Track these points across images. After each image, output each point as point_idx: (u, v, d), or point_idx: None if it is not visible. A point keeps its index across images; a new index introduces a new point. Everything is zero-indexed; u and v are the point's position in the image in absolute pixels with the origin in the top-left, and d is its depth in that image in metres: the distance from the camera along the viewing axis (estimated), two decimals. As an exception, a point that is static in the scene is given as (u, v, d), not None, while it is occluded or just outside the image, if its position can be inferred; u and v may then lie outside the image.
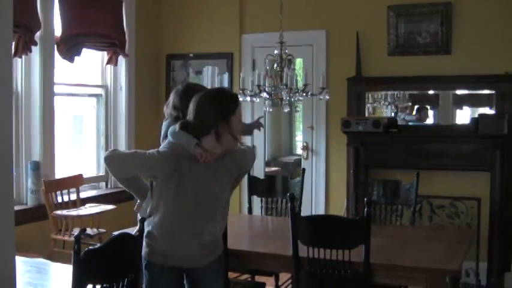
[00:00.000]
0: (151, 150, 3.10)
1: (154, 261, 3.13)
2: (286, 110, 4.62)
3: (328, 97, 4.66)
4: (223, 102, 3.09)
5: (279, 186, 5.04)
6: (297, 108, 5.24)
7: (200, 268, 3.19)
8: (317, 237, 3.54)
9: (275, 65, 4.64)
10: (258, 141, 6.84)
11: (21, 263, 3.51)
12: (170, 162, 3.03)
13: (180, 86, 3.55)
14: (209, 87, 6.70)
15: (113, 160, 3.15)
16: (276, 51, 4.68)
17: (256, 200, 5.44)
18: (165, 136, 3.29)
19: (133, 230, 3.74)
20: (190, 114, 3.09)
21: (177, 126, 3.09)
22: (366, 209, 3.46)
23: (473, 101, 6.28)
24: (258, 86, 4.46)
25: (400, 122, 6.18)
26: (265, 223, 4.99)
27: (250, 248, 4.12)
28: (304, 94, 4.52)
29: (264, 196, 5.10)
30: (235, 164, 3.23)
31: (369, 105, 6.37)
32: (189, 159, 3.04)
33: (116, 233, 3.41)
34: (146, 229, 3.10)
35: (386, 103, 6.47)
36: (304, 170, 5.13)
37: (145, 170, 3.16)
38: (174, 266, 3.14)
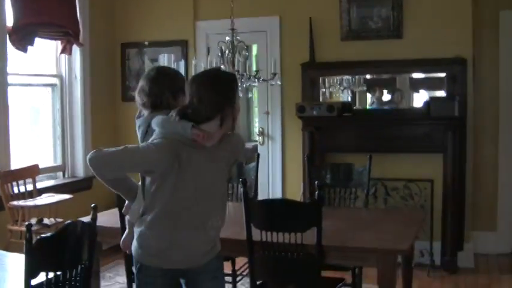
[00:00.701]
0: (143, 144, 2.87)
1: (149, 264, 2.89)
2: (240, 95, 4.65)
3: (279, 82, 4.74)
4: (228, 85, 2.87)
5: (235, 172, 5.09)
6: (249, 94, 5.27)
7: (200, 268, 2.93)
8: (270, 221, 3.59)
9: (227, 52, 4.68)
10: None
11: None
12: (169, 153, 2.74)
13: (151, 71, 3.24)
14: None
15: (100, 160, 2.79)
16: (227, 38, 4.71)
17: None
18: (146, 132, 3.06)
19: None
20: (190, 100, 2.82)
21: (173, 114, 2.81)
22: (317, 192, 3.53)
23: (428, 85, 6.40)
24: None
25: (371, 106, 6.27)
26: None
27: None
28: (256, 80, 4.56)
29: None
30: (231, 150, 2.99)
31: (325, 90, 6.46)
32: (188, 146, 2.77)
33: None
34: (138, 229, 2.89)
35: (342, 88, 6.57)
36: (258, 155, 5.19)
37: (141, 166, 2.83)
38: (171, 268, 2.89)
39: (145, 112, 3.10)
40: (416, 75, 6.33)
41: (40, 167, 5.91)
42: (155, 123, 2.87)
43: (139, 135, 3.11)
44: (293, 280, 3.77)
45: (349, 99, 6.42)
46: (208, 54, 6.50)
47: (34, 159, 5.97)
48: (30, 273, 2.67)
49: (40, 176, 5.99)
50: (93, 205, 3.13)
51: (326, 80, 6.41)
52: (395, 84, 6.36)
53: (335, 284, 4.01)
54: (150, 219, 2.83)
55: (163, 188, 2.79)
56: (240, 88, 4.58)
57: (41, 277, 2.75)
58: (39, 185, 5.91)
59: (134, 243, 2.91)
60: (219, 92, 2.80)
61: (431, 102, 5.78)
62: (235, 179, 5.08)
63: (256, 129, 6.84)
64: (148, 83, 3.12)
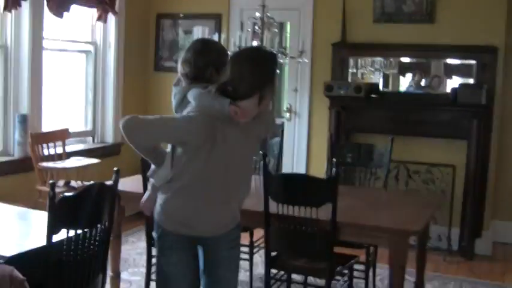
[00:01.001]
0: (179, 116, 2.89)
1: (171, 230, 2.95)
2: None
3: (306, 60, 4.79)
4: (268, 64, 2.89)
5: (258, 147, 5.17)
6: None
7: (219, 236, 3.00)
8: (286, 195, 3.69)
9: (256, 28, 4.75)
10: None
11: (7, 210, 3.70)
12: (205, 128, 2.77)
13: (197, 43, 3.17)
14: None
15: (135, 127, 2.84)
16: (257, 14, 4.78)
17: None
18: (181, 101, 3.01)
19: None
20: (231, 77, 2.80)
21: (211, 89, 2.83)
22: (333, 169, 3.62)
23: (462, 71, 6.37)
24: (239, 47, 4.58)
25: (407, 90, 6.33)
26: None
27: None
28: (284, 57, 4.63)
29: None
30: (264, 126, 3.04)
31: (356, 70, 6.50)
32: (223, 122, 2.79)
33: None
34: (163, 195, 2.96)
35: (373, 69, 6.60)
36: (283, 131, 5.26)
37: (175, 137, 2.87)
38: (191, 235, 2.96)
39: (183, 82, 3.09)
40: (451, 61, 6.30)
41: (71, 131, 6.07)
42: (192, 95, 2.89)
43: (173, 103, 3.10)
44: (306, 253, 3.88)
45: (381, 81, 6.45)
46: (242, 29, 6.58)
47: (65, 124, 6.13)
48: (52, 229, 2.82)
49: (70, 140, 6.16)
50: (115, 169, 3.25)
51: (358, 60, 6.44)
52: (431, 70, 6.35)
53: (348, 260, 4.09)
54: (177, 188, 2.89)
55: (195, 160, 2.82)
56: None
57: (63, 234, 2.90)
58: (69, 148, 6.08)
59: (157, 209, 2.97)
60: (260, 71, 2.83)
61: (459, 89, 5.78)
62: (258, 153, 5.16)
63: (284, 105, 6.89)
64: (194, 55, 3.07)
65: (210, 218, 2.93)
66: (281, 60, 4.87)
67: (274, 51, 4.33)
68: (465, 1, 5.94)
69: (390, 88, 6.50)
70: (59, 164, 5.58)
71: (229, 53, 3.45)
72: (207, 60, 3.00)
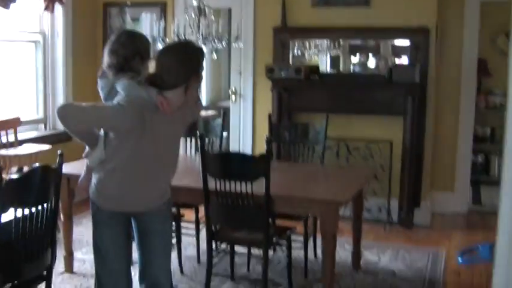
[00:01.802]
0: (110, 104, 3.11)
1: (104, 207, 3.23)
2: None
3: (242, 45, 5.02)
4: (195, 57, 3.14)
5: (200, 127, 5.42)
6: (214, 56, 5.56)
7: (150, 211, 3.28)
8: (223, 171, 3.96)
9: (193, 15, 4.98)
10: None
11: None
12: (134, 115, 3.02)
13: (121, 36, 3.35)
14: (147, 33, 7.01)
15: (67, 113, 3.09)
16: (194, 3, 5.01)
17: (182, 140, 5.83)
18: (109, 93, 3.27)
19: (67, 167, 4.11)
20: (159, 69, 3.08)
21: (141, 80, 3.09)
22: (266, 146, 3.90)
23: (405, 52, 6.66)
24: (177, 35, 4.81)
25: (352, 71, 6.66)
26: (185, 160, 5.37)
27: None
28: (220, 42, 4.88)
29: (188, 136, 5.49)
30: (191, 113, 3.33)
31: (302, 53, 6.77)
32: (150, 110, 3.04)
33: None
34: (96, 175, 3.22)
35: (316, 51, 6.89)
36: (224, 113, 5.52)
37: (107, 123, 3.12)
38: (125, 211, 3.26)
39: (109, 73, 3.30)
40: (399, 43, 6.58)
41: (22, 119, 6.23)
42: (121, 86, 3.12)
43: (101, 95, 3.36)
44: (245, 226, 4.17)
45: (327, 62, 6.75)
46: (187, 15, 6.81)
47: (17, 112, 6.29)
48: (1, 208, 3.04)
49: (22, 127, 6.33)
50: (59, 152, 3.48)
51: (305, 43, 6.71)
52: (380, 51, 6.66)
53: (284, 231, 4.39)
54: (109, 168, 3.17)
55: (126, 144, 3.09)
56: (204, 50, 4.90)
57: (11, 214, 3.12)
58: (21, 136, 6.24)
59: (92, 187, 3.26)
60: (186, 64, 3.07)
61: (394, 68, 6.10)
62: (204, 134, 5.41)
63: (230, 88, 7.13)
64: (121, 46, 3.27)
65: (141, 195, 3.21)
66: (219, 46, 5.12)
67: (200, 46, 4.55)
68: (398, -16, 6.24)
69: (335, 69, 6.80)
70: (12, 151, 5.76)
71: (167, 41, 3.71)
72: (133, 50, 3.24)
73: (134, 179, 3.17)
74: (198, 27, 4.88)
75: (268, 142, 3.90)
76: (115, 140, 3.12)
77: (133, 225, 3.37)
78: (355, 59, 6.82)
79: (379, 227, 6.19)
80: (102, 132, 3.24)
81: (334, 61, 6.87)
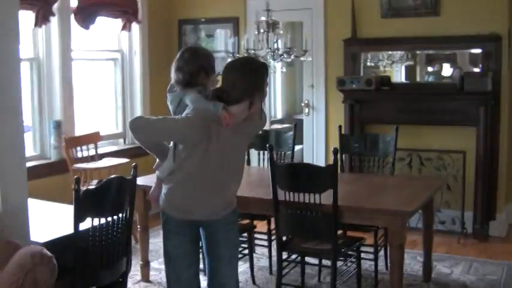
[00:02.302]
0: (179, 117, 3.25)
1: (173, 216, 3.36)
2: (271, 71, 5.08)
3: (310, 59, 5.09)
4: (259, 73, 3.26)
5: (273, 140, 5.54)
6: (283, 69, 5.67)
7: (217, 220, 3.39)
8: (291, 183, 4.05)
9: (261, 30, 5.11)
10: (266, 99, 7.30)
11: (44, 205, 4.20)
12: (202, 128, 3.15)
13: (186, 53, 3.48)
14: (221, 48, 7.19)
15: (139, 126, 3.27)
16: (263, 18, 5.14)
17: (254, 153, 5.97)
18: (177, 106, 3.43)
19: (144, 180, 4.31)
20: (225, 84, 3.21)
21: (208, 94, 3.23)
22: (332, 158, 3.97)
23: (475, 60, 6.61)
24: (247, 50, 4.95)
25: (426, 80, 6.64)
26: (257, 172, 5.50)
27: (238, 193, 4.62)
28: (287, 56, 4.98)
29: (260, 149, 5.61)
30: (255, 126, 3.44)
31: (373, 64, 6.81)
32: (216, 123, 3.17)
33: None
34: (166, 186, 3.36)
35: (389, 62, 6.90)
36: (295, 125, 5.61)
37: (176, 136, 3.25)
38: (192, 219, 3.37)
39: (177, 88, 3.45)
40: (472, 51, 6.49)
41: (102, 134, 6.52)
42: (189, 99, 3.29)
43: (171, 108, 3.52)
44: (313, 236, 4.23)
45: (402, 72, 6.76)
46: (258, 31, 6.96)
47: (97, 127, 6.58)
48: (78, 218, 3.25)
49: (102, 142, 6.62)
50: (133, 164, 3.66)
51: (377, 54, 6.74)
52: (456, 60, 6.61)
53: (354, 242, 4.43)
54: (178, 179, 3.31)
55: (193, 156, 3.22)
56: (274, 64, 5.03)
57: (88, 223, 3.32)
58: (101, 150, 6.53)
59: (162, 197, 3.41)
60: (250, 80, 3.20)
61: (466, 77, 6.03)
62: (274, 147, 5.50)
63: (302, 101, 7.22)
64: (186, 63, 3.39)
65: (207, 204, 3.34)
66: (288, 60, 5.23)
67: (265, 61, 4.65)
68: (468, -7, 6.19)
69: (409, 80, 6.79)
70: (92, 165, 6.03)
71: (238, 56, 3.84)
72: (198, 66, 3.37)
73: (201, 189, 3.29)
74: (267, 41, 5.00)
75: (335, 153, 3.96)
76: (184, 152, 3.24)
77: (201, 234, 3.49)
78: (430, 69, 6.79)
79: (452, 239, 6.11)
80: (171, 144, 3.37)
81: (409, 71, 6.86)
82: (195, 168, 3.24)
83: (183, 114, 3.26)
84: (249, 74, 3.22)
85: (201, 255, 3.66)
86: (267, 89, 3.39)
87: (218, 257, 3.45)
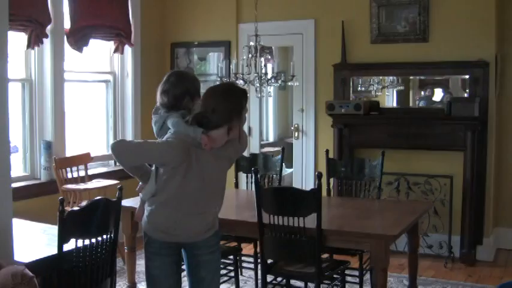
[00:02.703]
0: (159, 141, 3.35)
1: (156, 238, 3.40)
2: (258, 96, 5.16)
3: (297, 84, 5.17)
4: (238, 98, 3.32)
5: (261, 163, 5.59)
6: (270, 94, 5.74)
7: (199, 242, 3.44)
8: (276, 206, 4.09)
9: (249, 55, 5.18)
10: (254, 123, 7.37)
11: (31, 226, 4.24)
12: (181, 152, 3.22)
13: (172, 76, 3.56)
14: (214, 71, 7.27)
15: (121, 150, 3.34)
16: (251, 43, 5.22)
17: (242, 176, 6.01)
18: (161, 128, 3.49)
19: (132, 201, 4.34)
20: (204, 109, 3.26)
21: (188, 119, 3.28)
22: (317, 182, 4.01)
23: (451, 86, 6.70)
24: (235, 74, 5.02)
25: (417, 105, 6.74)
26: (245, 195, 5.54)
27: (225, 216, 4.64)
28: (274, 81, 5.05)
29: (248, 172, 5.65)
30: (235, 150, 3.46)
31: (368, 87, 6.89)
32: (196, 147, 3.25)
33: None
34: (148, 208, 3.40)
35: (379, 87, 6.97)
36: (283, 148, 5.66)
37: (156, 159, 3.32)
38: (174, 241, 3.41)
39: (161, 110, 3.54)
40: (460, 77, 6.57)
41: (93, 155, 6.55)
42: (171, 123, 3.37)
43: (154, 129, 3.58)
44: (298, 259, 4.26)
45: (394, 98, 6.86)
46: (250, 53, 7.04)
47: (88, 148, 6.62)
48: (62, 239, 3.27)
49: (93, 163, 6.65)
50: (119, 186, 3.70)
51: (368, 79, 6.83)
52: (448, 85, 6.71)
53: (339, 265, 4.46)
54: (159, 201, 3.35)
55: (174, 178, 3.28)
56: (262, 88, 5.09)
57: (72, 244, 3.34)
58: (92, 171, 6.56)
59: (144, 219, 3.46)
60: (229, 105, 3.27)
61: (452, 102, 6.11)
62: (261, 170, 5.56)
63: (292, 125, 7.29)
64: (172, 86, 3.49)
65: (188, 226, 3.38)
66: (275, 85, 5.30)
67: (244, 88, 4.72)
68: (456, 20, 6.28)
69: (399, 104, 6.87)
70: (82, 186, 6.06)
71: (225, 80, 3.91)
72: (183, 90, 3.45)
73: (182, 211, 3.33)
74: (255, 66, 5.08)
75: (319, 177, 4.01)
76: (164, 175, 3.29)
77: (183, 255, 3.53)
78: (422, 94, 6.87)
79: (440, 263, 6.15)
80: (153, 167, 3.43)
81: (400, 96, 6.93)
82: (175, 190, 3.29)
83: (164, 138, 3.33)
84: (229, 100, 3.29)
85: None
86: (246, 115, 3.44)
87: (199, 279, 3.50)
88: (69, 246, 3.34)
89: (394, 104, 6.93)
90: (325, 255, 4.66)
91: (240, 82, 5.14)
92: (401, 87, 6.92)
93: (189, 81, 3.54)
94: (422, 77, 6.76)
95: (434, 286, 5.50)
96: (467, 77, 6.34)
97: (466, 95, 6.38)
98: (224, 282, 5.07)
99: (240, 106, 3.32)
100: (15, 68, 5.94)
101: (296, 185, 7.00)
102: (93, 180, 6.29)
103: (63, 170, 6.08)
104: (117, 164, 6.99)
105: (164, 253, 3.42)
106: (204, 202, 3.38)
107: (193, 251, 3.47)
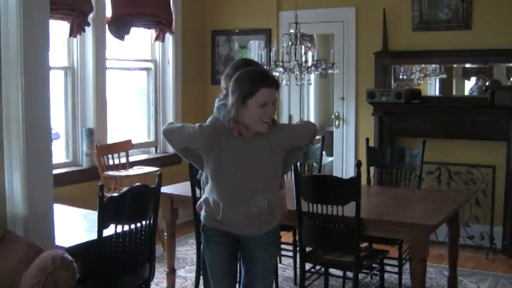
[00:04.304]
0: (196, 124, 3.23)
1: (209, 225, 3.32)
2: (298, 83, 5.14)
3: (337, 71, 5.12)
4: (243, 83, 3.14)
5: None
6: (310, 82, 5.70)
7: (252, 237, 3.29)
8: (315, 195, 4.08)
9: (290, 43, 5.16)
10: (295, 111, 7.36)
11: (73, 211, 4.32)
12: (209, 136, 3.17)
13: (238, 61, 3.67)
14: (255, 59, 7.26)
15: (166, 133, 3.33)
16: (291, 30, 5.19)
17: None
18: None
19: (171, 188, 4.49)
20: (225, 92, 3.28)
21: (227, 102, 3.21)
22: (356, 170, 3.99)
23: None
24: (275, 61, 5.01)
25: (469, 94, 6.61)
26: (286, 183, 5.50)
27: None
28: (314, 69, 5.03)
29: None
30: (278, 140, 3.24)
31: (411, 75, 6.81)
32: (228, 132, 3.17)
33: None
34: (205, 195, 3.34)
35: (422, 75, 6.88)
36: (323, 137, 5.62)
37: (190, 141, 3.26)
38: (226, 230, 3.28)
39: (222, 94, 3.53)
40: (509, 65, 6.41)
41: (134, 142, 6.62)
42: (215, 106, 3.38)
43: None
44: (336, 248, 4.25)
45: (437, 86, 6.78)
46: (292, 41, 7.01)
47: (129, 135, 6.70)
48: (102, 224, 3.32)
49: (134, 150, 6.73)
50: (158, 173, 3.74)
51: (411, 67, 6.73)
52: (492, 74, 6.53)
53: (377, 254, 4.44)
54: (208, 188, 3.31)
55: (209, 165, 3.24)
56: (302, 76, 5.07)
57: (112, 229, 3.39)
58: (133, 158, 6.64)
59: (202, 206, 3.39)
60: (237, 88, 3.14)
61: (495, 91, 5.99)
62: (301, 158, 5.53)
63: (332, 113, 7.25)
64: (232, 71, 3.48)
65: (234, 217, 3.25)
66: (315, 72, 5.27)
67: (296, 62, 4.69)
68: (499, 7, 6.15)
69: (442, 93, 6.77)
70: (123, 173, 6.14)
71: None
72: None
73: (225, 201, 3.23)
74: (295, 54, 5.06)
75: (359, 166, 3.98)
76: (204, 160, 3.28)
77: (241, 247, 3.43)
78: (468, 83, 6.76)
79: (481, 255, 6.05)
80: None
81: (443, 84, 6.83)
82: (213, 177, 3.25)
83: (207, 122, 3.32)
84: (237, 83, 3.17)
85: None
86: (275, 104, 3.23)
87: (252, 273, 3.39)
88: (108, 231, 3.40)
89: (437, 93, 6.83)
90: (364, 244, 4.63)
91: (280, 70, 5.13)
92: (444, 76, 6.81)
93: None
94: (467, 65, 6.64)
95: (475, 277, 5.42)
96: (511, 65, 6.21)
97: (510, 83, 6.25)
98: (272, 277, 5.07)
99: (247, 89, 3.11)
100: (58, 56, 6.03)
101: (336, 173, 6.97)
102: (134, 167, 6.36)
103: (105, 156, 6.16)
104: (159, 151, 7.22)
105: (217, 241, 3.34)
106: (243, 192, 3.23)
107: (249, 244, 3.35)
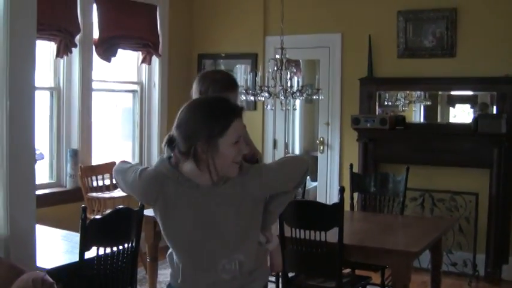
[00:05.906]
0: (139, 169, 2.48)
1: (175, 286, 2.58)
2: (283, 109, 5.17)
3: (322, 97, 5.16)
4: (210, 120, 2.31)
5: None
6: (295, 107, 5.74)
7: None
8: (298, 220, 4.08)
9: (275, 68, 5.20)
10: (279, 136, 7.38)
11: (54, 233, 4.30)
12: (152, 187, 2.40)
13: (204, 72, 3.45)
14: (242, 84, 7.28)
15: (114, 175, 2.66)
16: (277, 56, 5.24)
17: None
18: None
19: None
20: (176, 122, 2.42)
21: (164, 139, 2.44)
22: (339, 196, 4.00)
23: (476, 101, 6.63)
24: (261, 86, 5.04)
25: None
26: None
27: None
28: (299, 94, 5.06)
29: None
30: (254, 184, 2.40)
31: (395, 102, 6.85)
32: (178, 179, 2.36)
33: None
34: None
35: (406, 102, 6.92)
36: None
37: (131, 191, 2.53)
38: None
39: None
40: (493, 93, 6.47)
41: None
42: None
43: None
44: (318, 274, 4.25)
45: (421, 113, 6.83)
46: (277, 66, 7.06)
47: (114, 157, 6.67)
48: (84, 247, 3.31)
49: (118, 172, 6.69)
50: (141, 196, 3.70)
51: (396, 93, 6.78)
52: (476, 101, 6.58)
53: (360, 280, 4.44)
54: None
55: (158, 219, 2.47)
56: (287, 101, 5.10)
57: (94, 252, 3.38)
58: (117, 180, 6.60)
59: None
60: (197, 121, 2.33)
61: (479, 118, 6.05)
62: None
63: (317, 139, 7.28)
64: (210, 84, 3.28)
65: (196, 284, 2.49)
66: (300, 98, 5.31)
67: (281, 88, 4.70)
68: (483, 35, 6.23)
69: (427, 120, 6.83)
70: (106, 194, 6.12)
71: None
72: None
73: (188, 266, 2.48)
74: (280, 79, 5.09)
75: (342, 192, 4.00)
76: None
77: None
78: (452, 110, 6.82)
79: (463, 282, 6.07)
80: None
81: (428, 111, 6.88)
82: (166, 237, 2.50)
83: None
84: (197, 111, 2.43)
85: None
86: (238, 145, 2.36)
87: None
88: (90, 254, 3.38)
89: (422, 119, 6.88)
90: (347, 270, 4.64)
91: (265, 95, 5.17)
92: (429, 102, 6.86)
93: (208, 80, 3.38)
94: (452, 93, 6.70)
95: (457, 304, 5.44)
96: (495, 93, 6.28)
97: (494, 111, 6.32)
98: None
99: (218, 127, 2.30)
100: (44, 76, 6.03)
101: (320, 198, 6.99)
102: (118, 189, 6.33)
103: (89, 178, 6.15)
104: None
105: None
106: (207, 256, 2.43)
107: None
